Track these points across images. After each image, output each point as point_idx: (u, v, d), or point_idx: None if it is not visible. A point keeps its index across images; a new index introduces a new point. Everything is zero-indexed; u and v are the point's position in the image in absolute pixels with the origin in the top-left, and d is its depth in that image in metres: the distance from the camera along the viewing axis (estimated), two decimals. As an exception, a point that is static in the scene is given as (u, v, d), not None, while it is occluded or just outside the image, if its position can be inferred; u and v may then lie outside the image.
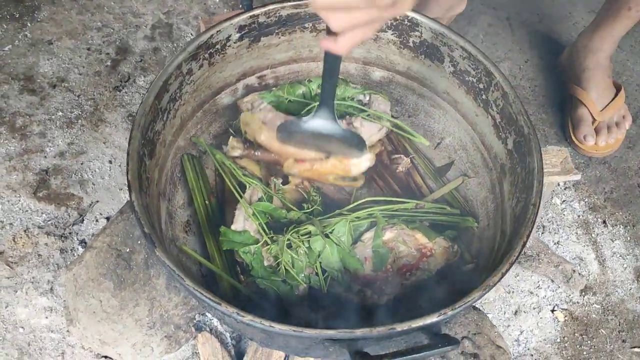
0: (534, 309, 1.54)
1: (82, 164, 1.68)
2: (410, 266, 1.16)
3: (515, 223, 1.06)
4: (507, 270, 0.95)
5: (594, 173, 1.78)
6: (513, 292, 1.55)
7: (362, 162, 1.24)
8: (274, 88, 1.34)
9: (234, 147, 1.27)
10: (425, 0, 1.80)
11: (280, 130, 1.15)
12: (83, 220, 1.59)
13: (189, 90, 1.22)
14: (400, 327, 0.88)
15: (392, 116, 1.33)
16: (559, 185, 1.74)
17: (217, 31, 1.19)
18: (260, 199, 1.19)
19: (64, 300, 1.36)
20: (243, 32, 1.23)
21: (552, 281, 1.57)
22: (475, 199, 1.29)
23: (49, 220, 1.58)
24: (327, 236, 1.13)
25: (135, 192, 0.99)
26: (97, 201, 1.61)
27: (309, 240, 1.12)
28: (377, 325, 0.89)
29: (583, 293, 1.57)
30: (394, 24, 1.27)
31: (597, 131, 1.76)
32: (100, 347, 1.28)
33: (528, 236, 0.98)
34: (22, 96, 1.79)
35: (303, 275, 1.12)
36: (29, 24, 1.95)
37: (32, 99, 1.79)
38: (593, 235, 1.67)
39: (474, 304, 1.34)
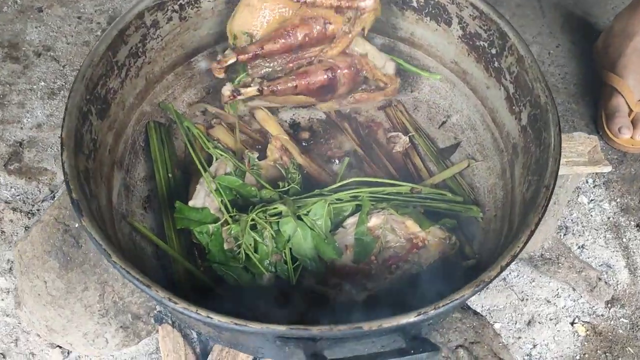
0: (550, 320, 1.34)
1: (59, 137, 1.55)
2: (397, 258, 0.98)
3: (525, 210, 0.87)
4: (507, 264, 0.77)
5: (629, 170, 1.56)
6: (527, 299, 1.35)
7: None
8: None
9: (227, 55, 1.07)
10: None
11: None
12: (54, 196, 1.45)
13: (155, 47, 1.07)
14: (368, 326, 0.71)
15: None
16: (587, 182, 1.54)
17: (188, -22, 1.03)
18: (228, 174, 1.03)
19: (12, 262, 1.21)
20: (219, -17, 1.08)
21: (574, 289, 1.36)
22: (483, 186, 1.10)
23: (17, 195, 1.45)
24: (300, 218, 0.96)
25: (69, 151, 0.84)
26: (70, 177, 1.47)
27: (278, 222, 0.95)
28: (341, 323, 0.72)
29: (609, 305, 1.36)
30: (396, -22, 1.10)
31: (634, 123, 1.55)
32: (48, 334, 1.14)
33: (537, 224, 0.80)
34: (5, 64, 1.67)
35: (268, 262, 0.95)
36: (20, -10, 1.84)
37: (14, 67, 1.67)
38: (624, 240, 1.45)
39: (474, 309, 1.16)
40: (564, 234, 1.45)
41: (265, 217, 0.95)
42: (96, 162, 0.94)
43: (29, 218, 1.41)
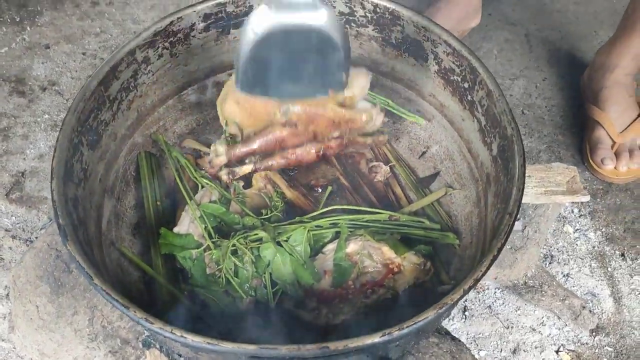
0: (535, 348, 1.35)
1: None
2: (374, 283, 1.01)
3: (492, 237, 0.91)
4: (469, 288, 0.80)
5: (614, 200, 1.59)
6: (512, 327, 1.37)
7: (358, 77, 1.02)
8: None
9: (219, 154, 1.14)
10: (435, 10, 1.70)
11: (240, 64, 0.85)
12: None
13: (146, 81, 1.12)
14: (334, 346, 0.74)
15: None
16: (572, 211, 1.57)
17: (178, 18, 1.10)
18: (213, 202, 1.07)
19: (9, 288, 1.26)
20: (209, 22, 1.14)
21: (559, 318, 1.38)
22: (460, 214, 1.14)
23: (17, 224, 1.51)
24: (279, 244, 1.00)
25: (58, 179, 0.89)
26: (69, 205, 1.52)
27: (258, 248, 0.99)
28: (308, 343, 0.75)
29: (594, 333, 1.37)
30: (375, 17, 1.15)
31: (617, 155, 1.59)
32: (40, 358, 1.17)
33: (499, 250, 0.83)
34: (11, 98, 1.75)
35: (248, 286, 0.98)
36: (28, 28, 1.93)
37: (20, 100, 1.75)
38: (609, 269, 1.48)
39: (459, 337, 1.18)
40: (549, 263, 1.47)
41: (246, 242, 0.99)
42: (86, 190, 0.99)
43: (27, 245, 1.46)
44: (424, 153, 1.23)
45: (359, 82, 1.03)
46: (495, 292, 1.42)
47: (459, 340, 1.09)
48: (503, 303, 1.41)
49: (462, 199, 1.15)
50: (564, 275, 1.45)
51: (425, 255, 1.04)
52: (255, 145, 1.04)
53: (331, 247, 1.06)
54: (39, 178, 1.59)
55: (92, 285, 0.80)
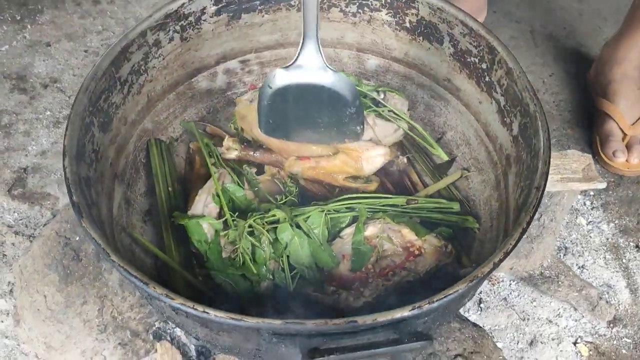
0: (552, 340, 1.32)
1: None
2: (394, 266, 0.98)
3: (518, 214, 0.88)
4: (499, 261, 0.77)
5: (626, 193, 1.58)
6: (528, 319, 1.35)
7: (376, 157, 1.09)
8: None
9: (230, 148, 1.14)
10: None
11: (260, 113, 1.02)
12: (56, 219, 1.47)
13: (157, 66, 1.10)
14: (362, 320, 0.71)
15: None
16: (584, 204, 1.55)
17: (189, 0, 1.08)
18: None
19: (15, 298, 1.22)
20: (220, 5, 1.12)
21: (575, 309, 1.35)
22: (478, 198, 1.12)
23: (20, 220, 1.47)
24: (297, 226, 0.97)
25: (70, 157, 0.86)
26: (73, 201, 1.49)
27: (275, 230, 0.96)
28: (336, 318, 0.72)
29: (611, 325, 1.35)
30: (389, 1, 1.14)
31: (628, 147, 1.57)
32: (46, 352, 1.13)
33: (528, 223, 0.81)
34: (12, 95, 1.72)
35: (265, 269, 0.95)
36: (29, 26, 1.90)
37: (21, 97, 1.72)
38: (624, 260, 1.45)
39: (474, 321, 1.15)
40: (564, 255, 1.45)
41: (263, 223, 0.96)
42: (97, 172, 0.96)
43: (31, 241, 1.42)
44: (439, 139, 1.21)
45: (375, 161, 1.09)
46: (510, 284, 1.39)
47: (480, 327, 1.07)
48: (518, 295, 1.38)
49: (479, 183, 1.12)
50: (579, 267, 1.43)
51: (445, 238, 1.02)
52: (265, 159, 1.14)
53: (349, 231, 1.03)
54: (42, 174, 1.55)
55: (110, 262, 0.77)
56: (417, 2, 1.10)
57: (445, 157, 1.18)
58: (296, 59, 0.93)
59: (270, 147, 1.13)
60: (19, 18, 1.92)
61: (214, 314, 0.72)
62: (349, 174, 1.10)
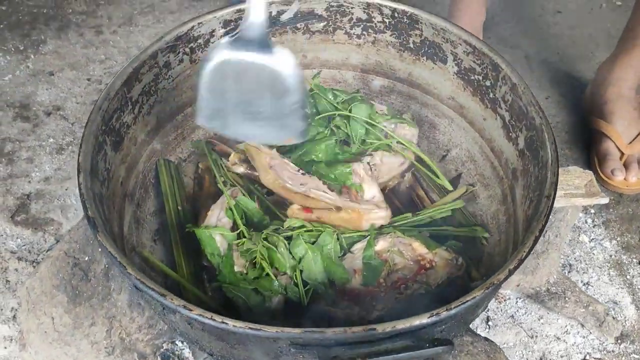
0: (561, 357, 1.32)
1: (66, 189, 1.58)
2: (406, 280, 0.99)
3: (528, 225, 0.89)
4: (514, 268, 0.78)
5: (627, 210, 1.59)
6: (536, 336, 1.34)
7: (377, 220, 1.07)
8: None
9: (236, 164, 1.16)
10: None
11: (199, 98, 0.87)
12: (61, 245, 1.46)
13: (166, 87, 1.12)
14: (381, 328, 0.72)
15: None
16: (586, 222, 1.56)
17: (199, 23, 1.11)
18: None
19: (19, 323, 1.21)
20: (229, 29, 1.15)
21: (583, 326, 1.35)
22: (485, 213, 1.13)
23: (23, 246, 1.46)
24: (311, 242, 0.98)
25: (85, 174, 0.87)
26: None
27: (289, 243, 0.97)
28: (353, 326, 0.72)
29: (619, 341, 1.35)
30: (392, 22, 1.17)
31: (626, 166, 1.60)
32: (53, 376, 1.12)
33: (541, 231, 0.82)
34: (15, 123, 1.73)
35: (277, 284, 0.95)
36: (32, 56, 1.93)
37: (24, 125, 1.73)
38: (628, 277, 1.46)
39: (487, 337, 1.15)
40: (568, 272, 1.45)
41: (278, 236, 0.97)
42: (109, 191, 0.97)
43: (34, 267, 1.41)
44: (444, 156, 1.22)
45: (375, 223, 1.06)
46: (517, 301, 1.39)
47: (492, 341, 1.06)
48: (525, 312, 1.38)
49: (486, 198, 1.14)
50: (584, 284, 1.44)
51: (456, 251, 1.02)
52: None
53: (359, 246, 1.04)
54: (45, 200, 1.55)
55: (126, 276, 0.77)
56: (421, 23, 1.13)
57: (450, 188, 1.18)
58: (238, 31, 0.82)
59: (275, 192, 1.14)
60: (22, 48, 1.94)
61: (232, 324, 0.72)
62: (348, 230, 1.08)
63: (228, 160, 1.18)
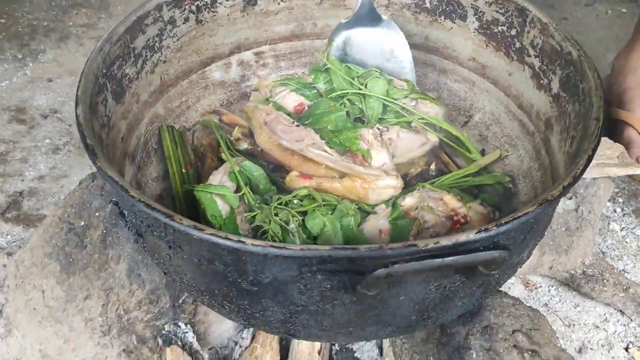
0: (602, 346, 1.20)
1: (62, 186, 1.49)
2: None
3: (572, 160, 0.81)
4: (569, 185, 0.69)
5: (656, 199, 1.50)
6: (574, 325, 1.23)
7: (384, 189, 0.95)
8: (302, 72, 1.17)
9: (240, 139, 1.08)
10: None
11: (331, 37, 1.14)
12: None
13: (171, 46, 1.05)
14: (423, 244, 0.62)
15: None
16: (614, 211, 1.47)
17: (206, -22, 1.05)
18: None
19: (2, 305, 1.08)
20: (236, -12, 1.09)
21: (622, 313, 1.24)
22: (516, 174, 1.04)
23: (13, 242, 1.36)
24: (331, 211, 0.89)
25: (84, 106, 0.79)
26: (72, 221, 1.38)
27: (303, 219, 0.87)
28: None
29: (663, 328, 1.23)
30: (407, -19, 1.12)
31: (650, 153, 1.52)
32: (41, 363, 0.99)
33: (594, 150, 0.73)
34: (10, 125, 1.66)
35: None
36: (30, 64, 1.87)
37: (19, 127, 1.65)
38: (666, 263, 1.36)
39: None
40: (602, 259, 1.35)
41: (290, 210, 0.87)
42: (109, 140, 0.88)
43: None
44: (466, 122, 1.15)
45: (382, 192, 0.97)
46: (550, 289, 1.28)
47: (535, 309, 0.95)
48: (560, 301, 1.27)
49: (515, 158, 1.05)
50: (620, 271, 1.33)
51: (491, 205, 0.93)
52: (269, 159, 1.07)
53: (383, 205, 0.94)
54: (38, 197, 1.46)
55: (129, 199, 0.67)
56: (438, -22, 1.08)
57: (482, 159, 1.09)
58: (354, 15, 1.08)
59: (271, 155, 1.06)
60: (20, 57, 1.90)
61: (250, 243, 0.62)
62: (351, 200, 0.97)
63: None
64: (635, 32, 1.61)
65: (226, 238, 0.63)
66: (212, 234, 0.63)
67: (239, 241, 0.63)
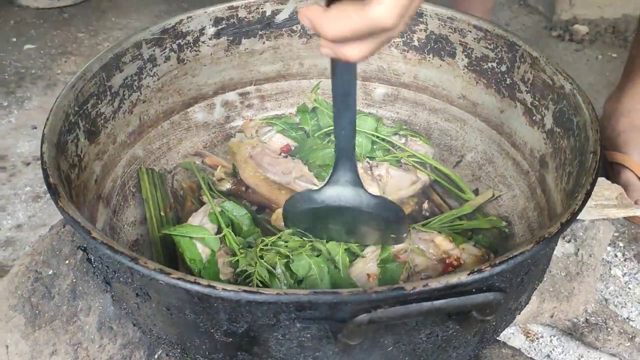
0: (610, 400, 1.12)
1: (40, 236, 1.42)
2: (430, 280, 0.83)
3: (569, 196, 0.76)
4: (567, 222, 0.64)
5: (658, 242, 1.45)
6: (579, 377, 1.15)
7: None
8: (289, 113, 1.14)
9: (222, 180, 1.04)
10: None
11: (286, 208, 0.86)
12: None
13: (151, 85, 1.02)
14: (411, 287, 0.56)
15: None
16: (615, 255, 1.41)
17: (188, 17, 1.03)
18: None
19: None
20: (220, 27, 1.07)
21: (630, 364, 1.17)
22: (512, 214, 0.99)
23: (-15, 294, 1.29)
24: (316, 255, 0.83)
25: (49, 144, 0.74)
26: (48, 270, 1.32)
27: (286, 263, 0.82)
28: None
29: (674, 380, 1.15)
30: (395, 20, 1.09)
31: (649, 196, 1.48)
32: None
33: (592, 185, 0.69)
34: (-11, 173, 1.61)
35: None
36: (15, 112, 1.84)
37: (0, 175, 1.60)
38: (673, 310, 1.29)
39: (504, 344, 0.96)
40: (605, 306, 1.28)
41: (274, 253, 0.82)
42: (80, 181, 0.83)
43: (-4, 315, 1.23)
44: (458, 162, 1.10)
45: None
46: (552, 339, 1.21)
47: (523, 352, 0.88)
48: (563, 351, 1.19)
49: (510, 199, 1.00)
50: (624, 319, 1.26)
51: (485, 247, 0.88)
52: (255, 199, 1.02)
53: (372, 248, 0.89)
54: (15, 247, 1.40)
55: (91, 241, 0.62)
56: (425, 15, 1.06)
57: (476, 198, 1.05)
58: (328, 181, 0.79)
59: (256, 192, 1.02)
60: (5, 104, 1.87)
61: (221, 288, 0.56)
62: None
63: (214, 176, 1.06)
64: (624, 74, 1.60)
65: (195, 283, 0.57)
66: (179, 278, 0.58)
67: (209, 286, 0.57)
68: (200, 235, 0.83)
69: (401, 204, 1.03)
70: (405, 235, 0.86)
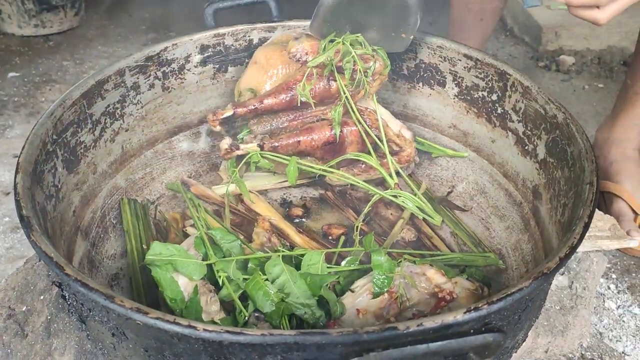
0: None
1: (17, 268, 1.37)
2: (423, 317, 0.79)
3: (566, 229, 0.74)
4: (565, 256, 0.61)
5: (651, 274, 1.43)
6: (576, 417, 1.11)
7: None
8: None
9: (225, 110, 0.99)
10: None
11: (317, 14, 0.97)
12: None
13: (134, 113, 0.99)
14: (404, 326, 0.53)
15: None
16: (609, 288, 1.39)
17: (173, 44, 1.01)
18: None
19: None
20: (206, 55, 1.05)
21: (628, 402, 1.13)
22: (505, 246, 0.96)
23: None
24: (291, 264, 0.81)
25: (24, 174, 0.71)
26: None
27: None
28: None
29: (673, 416, 1.12)
30: (384, 49, 1.08)
31: (641, 227, 1.46)
32: None
33: (590, 217, 0.66)
34: (-36, 212, 1.56)
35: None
36: (-4, 141, 1.80)
37: (-24, 211, 1.56)
38: (669, 344, 1.26)
39: None
40: (601, 340, 1.25)
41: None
42: (57, 212, 0.79)
43: (-32, 353, 1.17)
44: (449, 193, 1.08)
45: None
46: (547, 376, 1.17)
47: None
48: (558, 387, 1.16)
49: (503, 230, 0.98)
50: (620, 354, 1.23)
51: (478, 280, 0.84)
52: (265, 96, 0.98)
53: (361, 282, 0.85)
54: (-8, 280, 1.34)
55: (64, 277, 0.58)
56: (415, 44, 1.05)
57: (465, 155, 1.08)
58: None
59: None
60: (-14, 135, 1.83)
61: (202, 328, 0.53)
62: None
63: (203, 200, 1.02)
64: (616, 104, 1.60)
65: (175, 323, 0.54)
66: (157, 318, 0.54)
67: (190, 326, 0.53)
68: (184, 258, 0.79)
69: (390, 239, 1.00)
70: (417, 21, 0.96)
